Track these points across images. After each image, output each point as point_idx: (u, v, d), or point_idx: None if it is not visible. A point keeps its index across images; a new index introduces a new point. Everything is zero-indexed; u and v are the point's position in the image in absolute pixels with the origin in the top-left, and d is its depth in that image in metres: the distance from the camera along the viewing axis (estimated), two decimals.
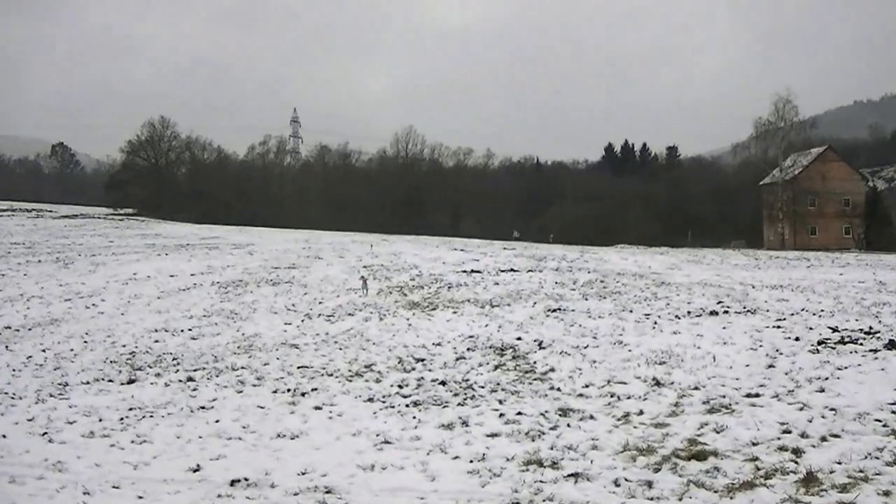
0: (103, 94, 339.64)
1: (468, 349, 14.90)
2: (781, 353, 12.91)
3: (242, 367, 13.88)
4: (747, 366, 12.20)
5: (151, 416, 10.85)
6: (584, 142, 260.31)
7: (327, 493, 7.82)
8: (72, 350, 15.82)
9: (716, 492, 7.28)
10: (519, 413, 10.37)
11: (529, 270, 28.77)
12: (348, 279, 26.67)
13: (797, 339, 14.12)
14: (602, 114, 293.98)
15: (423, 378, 12.69)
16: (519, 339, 15.65)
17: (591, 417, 10.04)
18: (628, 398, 10.84)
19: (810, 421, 9.15)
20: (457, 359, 14.11)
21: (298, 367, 13.77)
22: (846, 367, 11.68)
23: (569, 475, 7.92)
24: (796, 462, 7.84)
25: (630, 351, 13.88)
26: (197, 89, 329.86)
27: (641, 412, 10.15)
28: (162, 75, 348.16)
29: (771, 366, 12.13)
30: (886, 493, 6.89)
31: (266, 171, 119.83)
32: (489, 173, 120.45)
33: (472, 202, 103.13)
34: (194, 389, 12.37)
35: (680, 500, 7.21)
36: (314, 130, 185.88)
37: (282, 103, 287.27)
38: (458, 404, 11.01)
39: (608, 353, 13.78)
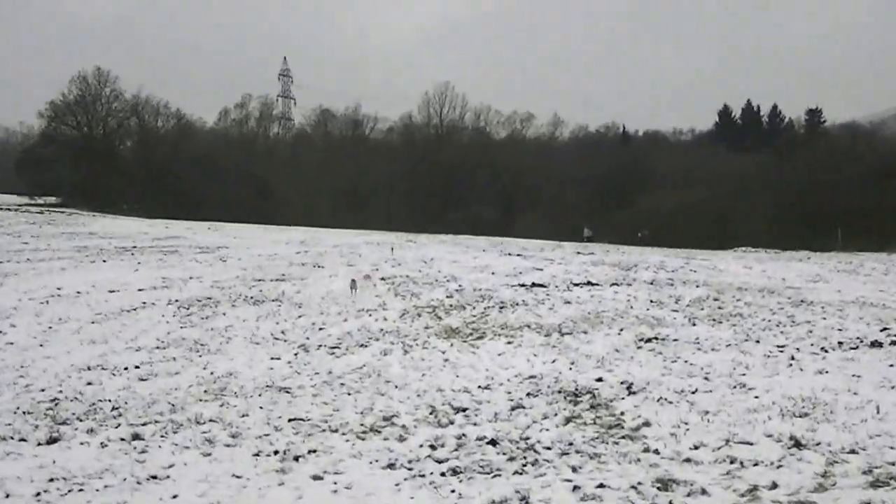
0: (15, 39, 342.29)
1: (528, 394, 14.85)
2: None
3: (211, 420, 13.88)
4: None
5: (81, 490, 10.77)
6: (690, 105, 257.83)
7: None
8: None
9: None
10: (600, 485, 10.27)
11: (613, 284, 28.71)
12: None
13: None
14: (716, 65, 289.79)
15: (464, 435, 12.64)
16: (599, 380, 15.58)
17: (704, 492, 9.93)
18: (755, 465, 10.73)
19: None
20: (512, 408, 14.05)
21: (290, 420, 13.76)
22: None
23: None
24: None
25: (757, 398, 13.76)
26: (149, 33, 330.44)
27: (775, 485, 10.02)
28: (101, 12, 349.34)
29: None
30: None
31: (245, 144, 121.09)
32: (556, 147, 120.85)
33: (533, 187, 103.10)
34: (142, 451, 12.35)
35: None
36: (312, 88, 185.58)
37: (266, 52, 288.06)
38: (515, 472, 10.95)
39: (726, 401, 13.66)
